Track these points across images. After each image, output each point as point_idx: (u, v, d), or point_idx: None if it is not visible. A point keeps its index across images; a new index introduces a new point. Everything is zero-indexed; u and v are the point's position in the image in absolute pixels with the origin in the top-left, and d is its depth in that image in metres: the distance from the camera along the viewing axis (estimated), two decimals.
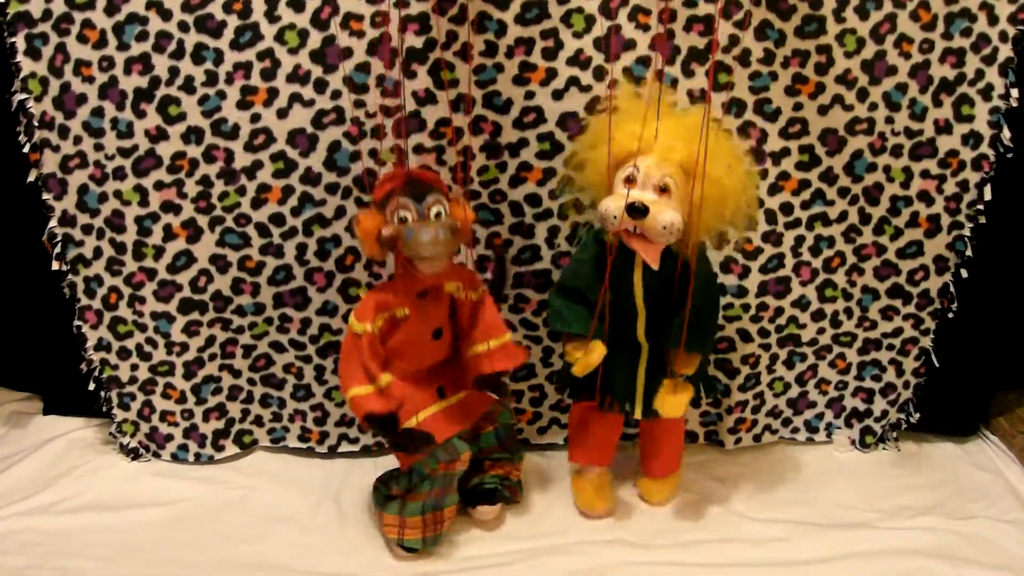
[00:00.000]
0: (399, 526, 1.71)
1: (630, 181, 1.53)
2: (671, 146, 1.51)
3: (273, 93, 1.71)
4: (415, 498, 1.70)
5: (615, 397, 1.76)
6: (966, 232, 1.89)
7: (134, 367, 1.95)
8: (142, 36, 1.66)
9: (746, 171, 1.56)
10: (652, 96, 1.51)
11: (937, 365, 2.03)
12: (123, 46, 1.67)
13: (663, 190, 1.52)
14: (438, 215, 1.56)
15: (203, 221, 1.81)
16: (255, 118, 1.72)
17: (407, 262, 1.58)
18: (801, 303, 1.97)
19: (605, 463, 1.88)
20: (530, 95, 1.73)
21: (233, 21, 1.66)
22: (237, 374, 1.99)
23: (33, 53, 1.68)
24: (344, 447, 2.07)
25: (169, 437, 2.02)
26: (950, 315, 1.97)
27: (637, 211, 1.48)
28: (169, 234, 1.82)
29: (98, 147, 1.75)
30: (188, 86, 1.70)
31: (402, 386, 1.67)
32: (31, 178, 1.78)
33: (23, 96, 1.71)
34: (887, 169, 1.85)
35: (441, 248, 1.54)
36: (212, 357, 1.96)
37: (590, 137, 1.63)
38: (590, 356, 1.64)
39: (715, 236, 1.67)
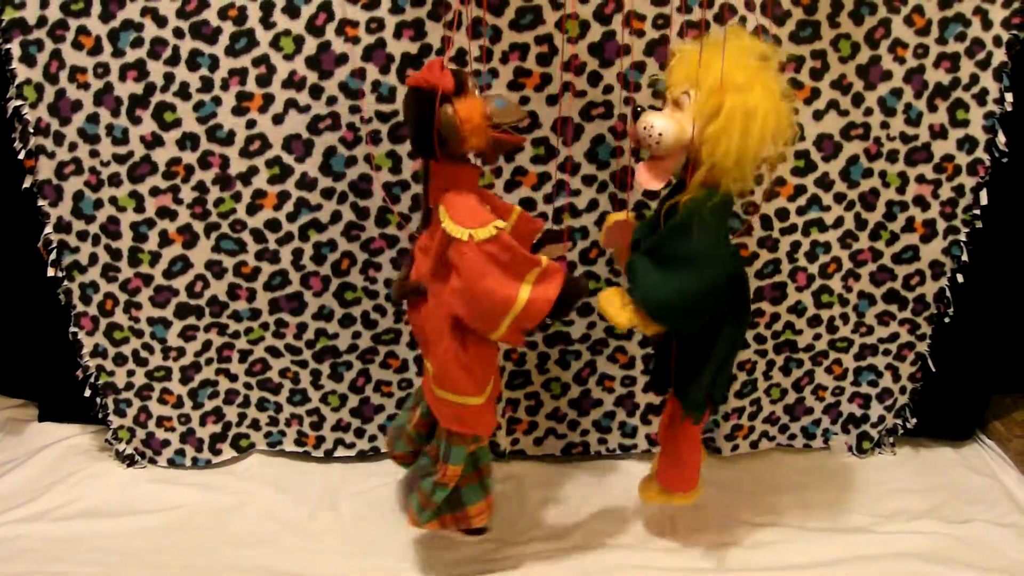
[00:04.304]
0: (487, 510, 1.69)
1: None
2: (706, 66, 1.40)
3: (268, 99, 1.71)
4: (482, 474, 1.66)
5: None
6: (962, 237, 1.89)
7: (130, 373, 1.95)
8: (137, 42, 1.67)
9: (781, 95, 1.39)
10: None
11: (933, 370, 2.03)
12: (118, 52, 1.67)
13: (676, 104, 1.42)
14: None
15: (199, 227, 1.81)
16: (250, 124, 1.73)
17: (498, 141, 1.42)
18: (797, 309, 1.97)
19: None
20: (525, 100, 1.73)
21: (228, 27, 1.66)
22: (234, 379, 1.99)
23: (28, 60, 1.69)
24: (340, 452, 2.07)
25: (166, 443, 2.02)
26: (946, 320, 1.97)
27: (635, 113, 1.42)
28: (165, 240, 1.82)
29: (93, 153, 1.75)
30: (183, 92, 1.70)
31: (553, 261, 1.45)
32: (26, 184, 1.78)
33: (18, 103, 1.72)
34: (883, 174, 1.85)
35: None
36: (209, 362, 1.96)
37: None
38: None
39: (737, 175, 1.42)
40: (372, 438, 2.07)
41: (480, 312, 1.41)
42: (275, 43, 1.67)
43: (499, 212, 1.54)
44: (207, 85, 1.70)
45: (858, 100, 1.77)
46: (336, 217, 1.82)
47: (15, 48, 1.68)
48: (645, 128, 1.38)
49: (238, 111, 1.72)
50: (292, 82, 1.70)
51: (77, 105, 1.72)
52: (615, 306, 1.49)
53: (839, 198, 1.87)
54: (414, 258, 1.59)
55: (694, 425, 1.65)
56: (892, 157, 1.83)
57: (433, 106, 1.36)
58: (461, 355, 1.47)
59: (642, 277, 1.48)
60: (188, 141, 1.74)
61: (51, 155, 1.76)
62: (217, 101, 1.71)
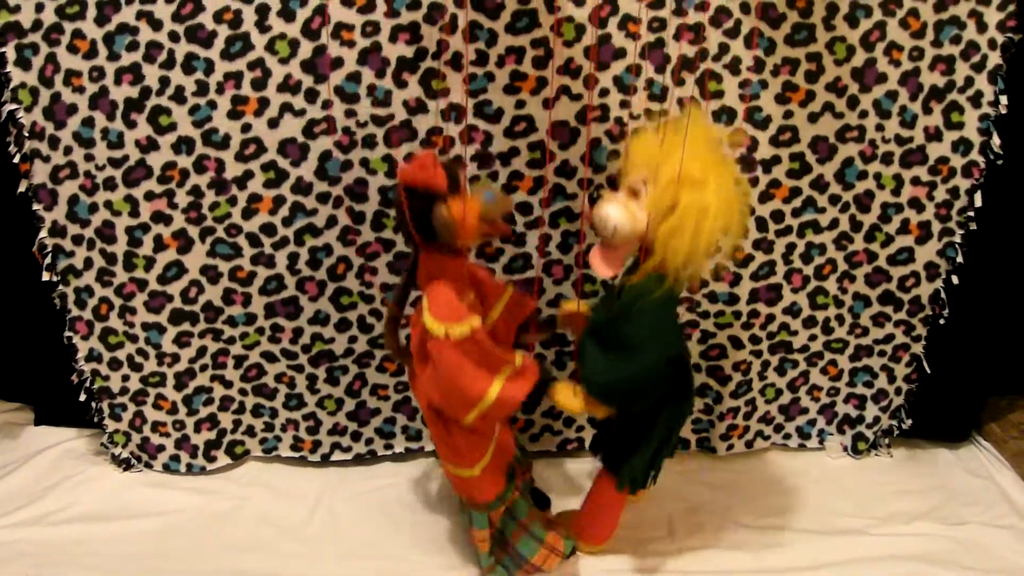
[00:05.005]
0: (552, 551, 1.69)
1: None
2: (665, 158, 1.41)
3: (264, 103, 1.70)
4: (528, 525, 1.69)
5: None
6: (957, 239, 1.89)
7: (125, 378, 1.94)
8: (132, 46, 1.66)
9: (735, 193, 1.41)
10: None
11: (929, 371, 2.04)
12: (113, 56, 1.67)
13: (632, 192, 1.44)
14: None
15: (194, 231, 1.81)
16: (246, 128, 1.72)
17: (485, 233, 1.44)
18: (792, 310, 1.97)
19: None
20: (521, 104, 1.73)
21: (224, 31, 1.65)
22: (229, 384, 1.99)
23: (23, 63, 1.68)
24: (337, 456, 2.07)
25: (161, 448, 2.02)
26: (941, 321, 1.97)
27: (591, 200, 1.45)
28: (160, 244, 1.82)
29: (88, 157, 1.75)
30: (179, 96, 1.70)
31: (528, 357, 1.51)
32: (21, 188, 1.77)
33: (13, 106, 1.71)
34: (878, 176, 1.85)
35: None
36: (203, 368, 1.96)
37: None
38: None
39: (687, 266, 1.43)
40: (368, 441, 2.07)
41: (451, 402, 1.46)
42: (270, 47, 1.66)
43: (490, 293, 1.59)
44: (202, 89, 1.69)
45: (853, 103, 1.77)
46: (331, 222, 1.81)
47: (10, 52, 1.67)
48: (601, 220, 1.41)
49: (233, 115, 1.71)
50: (287, 86, 1.69)
51: (72, 109, 1.71)
52: (568, 397, 1.53)
53: (834, 200, 1.87)
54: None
55: (630, 495, 1.66)
56: (887, 159, 1.83)
57: (427, 205, 1.38)
58: (443, 434, 1.52)
59: (587, 360, 1.50)
60: (183, 145, 1.73)
61: (46, 159, 1.75)
62: (212, 105, 1.70)
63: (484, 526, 1.63)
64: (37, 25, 1.65)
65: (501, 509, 1.64)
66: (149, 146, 1.73)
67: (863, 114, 1.78)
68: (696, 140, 1.38)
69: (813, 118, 1.77)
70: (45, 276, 1.84)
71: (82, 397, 1.96)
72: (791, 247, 1.90)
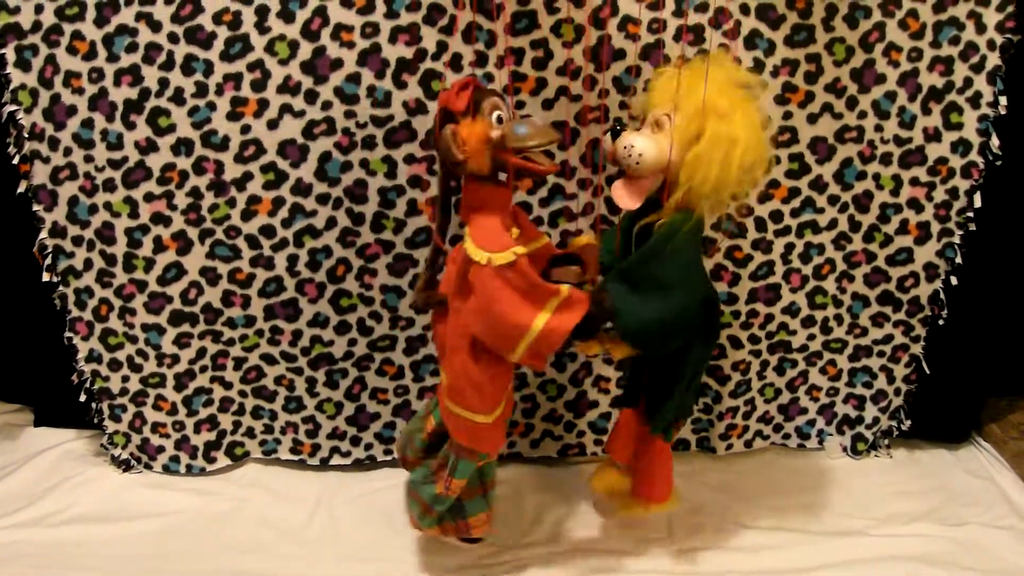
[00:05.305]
0: (487, 522, 1.67)
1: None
2: (688, 89, 1.39)
3: (263, 104, 1.70)
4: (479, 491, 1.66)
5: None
6: (956, 239, 1.89)
7: (125, 379, 1.94)
8: (132, 47, 1.66)
9: (761, 125, 1.40)
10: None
11: (928, 372, 2.04)
12: (113, 57, 1.67)
13: (657, 125, 1.42)
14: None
15: (193, 233, 1.81)
16: (245, 129, 1.72)
17: (517, 167, 1.38)
18: (791, 310, 1.97)
19: None
20: (520, 105, 1.73)
21: (223, 32, 1.65)
22: (228, 386, 1.99)
23: (23, 65, 1.68)
24: (336, 460, 2.07)
25: (161, 449, 2.02)
26: (940, 322, 1.97)
27: (614, 132, 1.42)
28: (159, 246, 1.82)
29: (88, 159, 1.75)
30: (178, 97, 1.70)
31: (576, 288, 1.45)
32: (21, 189, 1.77)
33: (13, 108, 1.71)
34: (876, 177, 1.85)
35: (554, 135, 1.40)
36: (203, 369, 1.96)
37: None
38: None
39: (710, 200, 1.43)
40: (368, 446, 2.07)
41: (495, 335, 1.41)
42: (270, 48, 1.66)
43: (528, 235, 1.55)
44: (202, 90, 1.69)
45: (852, 103, 1.77)
46: (331, 223, 1.81)
47: (10, 53, 1.67)
48: (626, 148, 1.38)
49: (233, 116, 1.71)
50: (287, 87, 1.69)
51: (72, 110, 1.71)
52: None
53: (833, 200, 1.87)
54: (443, 266, 1.59)
55: (666, 442, 1.66)
56: (886, 160, 1.84)
57: (443, 125, 1.38)
58: (473, 372, 1.47)
59: (618, 303, 1.47)
60: (182, 146, 1.73)
61: (46, 160, 1.75)
62: (212, 106, 1.70)
63: (467, 476, 1.58)
64: (37, 26, 1.65)
65: (478, 464, 1.60)
66: (148, 147, 1.73)
67: (862, 115, 1.78)
68: (722, 77, 1.38)
69: (812, 119, 1.78)
70: (45, 277, 1.84)
71: (82, 398, 1.96)
72: (790, 247, 1.90)
